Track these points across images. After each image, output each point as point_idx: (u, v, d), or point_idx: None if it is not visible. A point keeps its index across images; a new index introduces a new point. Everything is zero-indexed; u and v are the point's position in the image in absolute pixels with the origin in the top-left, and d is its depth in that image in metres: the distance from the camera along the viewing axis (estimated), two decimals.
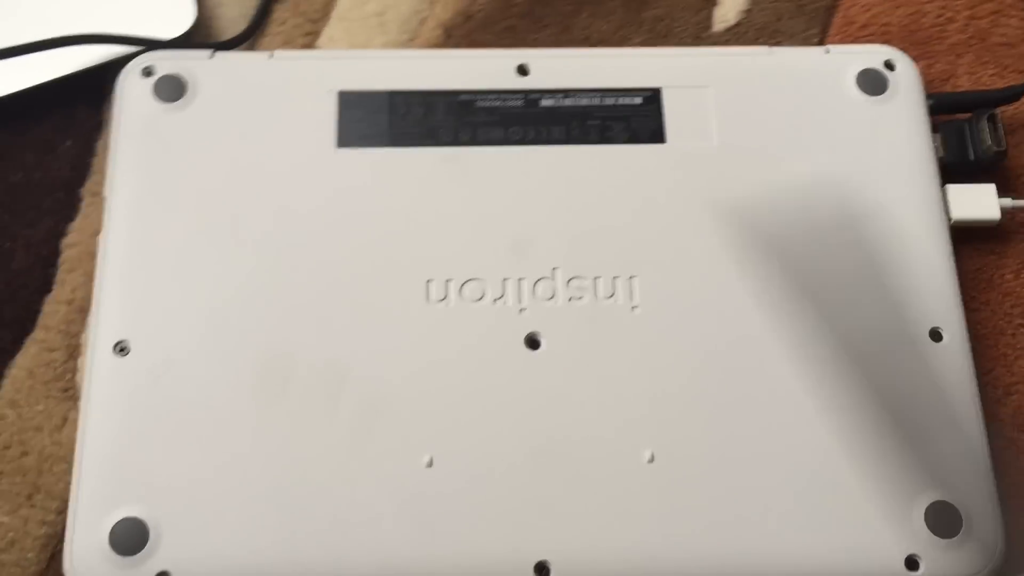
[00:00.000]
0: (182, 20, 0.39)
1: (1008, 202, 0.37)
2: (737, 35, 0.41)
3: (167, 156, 0.36)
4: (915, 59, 0.39)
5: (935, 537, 0.32)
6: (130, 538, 0.31)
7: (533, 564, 0.31)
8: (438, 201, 0.36)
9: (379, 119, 0.37)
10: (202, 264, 0.34)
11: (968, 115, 0.38)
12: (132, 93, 0.37)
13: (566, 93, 0.38)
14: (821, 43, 0.40)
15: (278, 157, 0.36)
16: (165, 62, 0.37)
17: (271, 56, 0.38)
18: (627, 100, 0.38)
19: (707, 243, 0.35)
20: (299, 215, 0.35)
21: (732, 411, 0.33)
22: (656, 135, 0.37)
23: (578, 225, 0.36)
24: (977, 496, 0.32)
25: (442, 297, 0.35)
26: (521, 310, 0.35)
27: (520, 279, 0.35)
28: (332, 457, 0.32)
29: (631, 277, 0.35)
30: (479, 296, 0.35)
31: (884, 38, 0.40)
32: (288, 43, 0.41)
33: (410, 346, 0.34)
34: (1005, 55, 0.40)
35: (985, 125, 0.37)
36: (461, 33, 0.41)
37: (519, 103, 0.37)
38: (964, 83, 0.40)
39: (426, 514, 0.32)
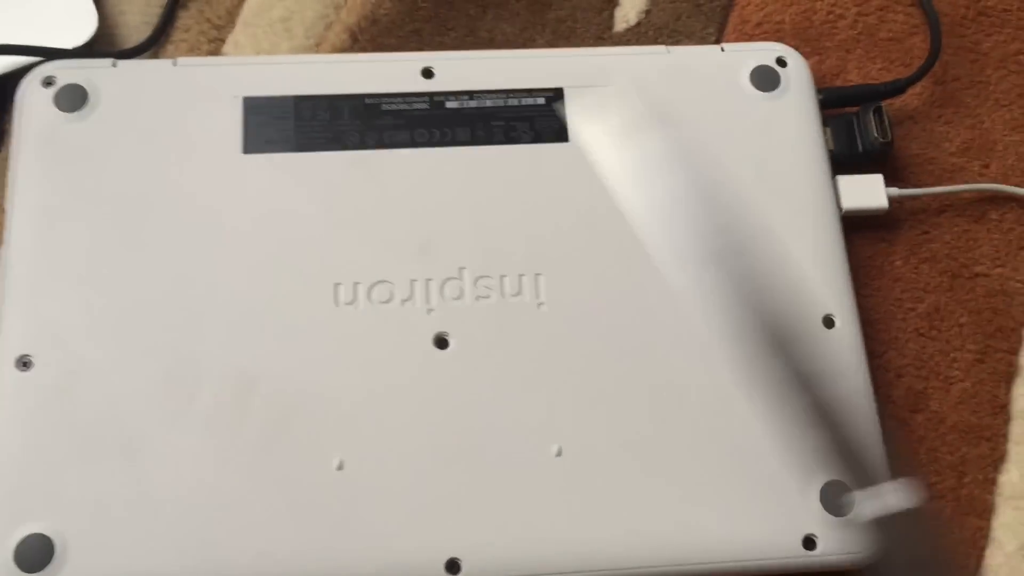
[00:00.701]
0: (84, 29, 0.39)
1: (895, 191, 0.38)
2: (638, 35, 0.42)
3: (69, 167, 0.36)
4: (807, 55, 0.40)
5: (830, 516, 0.33)
6: (35, 554, 0.31)
7: (444, 561, 0.32)
8: (345, 205, 0.36)
9: (285, 124, 0.37)
10: (106, 275, 0.34)
11: (856, 109, 0.39)
12: (33, 103, 0.37)
13: (471, 95, 0.38)
14: (718, 42, 0.42)
15: (183, 165, 0.36)
16: (66, 72, 0.37)
17: (174, 64, 0.38)
18: (530, 101, 0.38)
19: (609, 239, 0.36)
20: (205, 223, 0.35)
21: (635, 402, 0.34)
22: (560, 134, 0.38)
23: (484, 225, 0.36)
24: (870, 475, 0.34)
25: (350, 300, 0.35)
26: (429, 311, 0.35)
27: (428, 280, 0.35)
28: (241, 465, 0.32)
29: (537, 275, 0.36)
30: (387, 298, 0.35)
31: (777, 36, 0.42)
32: (193, 50, 0.41)
33: (319, 350, 0.34)
34: (892, 49, 0.42)
35: (871, 118, 0.38)
36: (367, 37, 0.41)
37: (424, 106, 0.38)
38: (854, 77, 0.41)
39: (337, 517, 0.32)
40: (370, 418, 0.33)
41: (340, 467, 0.33)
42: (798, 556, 0.33)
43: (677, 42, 0.42)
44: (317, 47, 0.41)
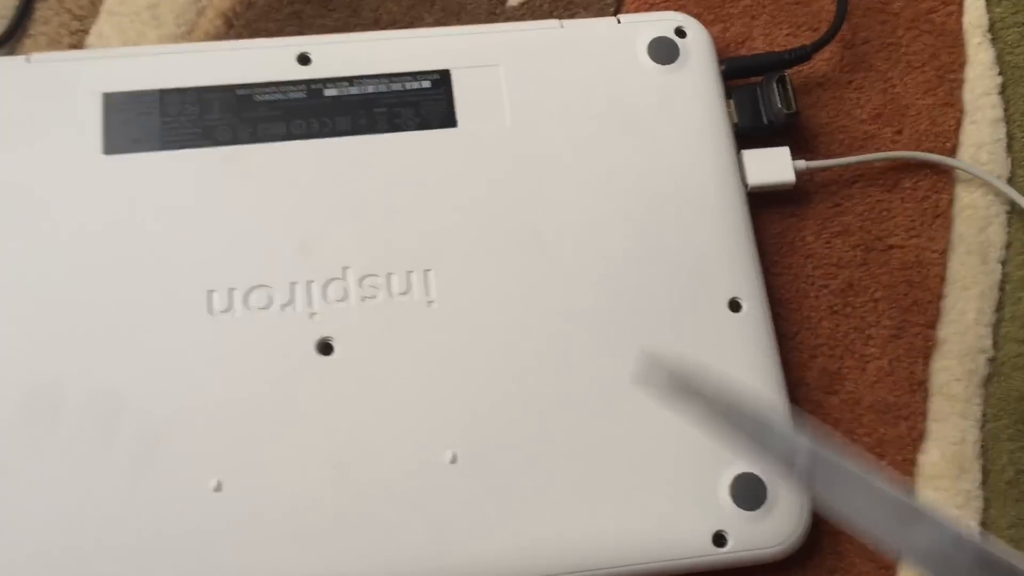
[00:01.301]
0: None
1: (802, 164, 0.36)
2: (531, 9, 0.39)
3: None
4: (710, 23, 0.38)
5: (741, 511, 0.32)
6: None
7: None
8: (218, 205, 0.34)
9: (150, 121, 0.34)
10: None
11: (762, 78, 0.37)
12: None
13: (351, 81, 0.36)
14: (617, 12, 0.39)
15: (39, 169, 0.33)
16: None
17: (28, 60, 0.35)
18: (415, 84, 0.36)
19: (503, 228, 0.34)
20: (65, 231, 0.33)
21: (533, 401, 0.32)
22: (447, 119, 0.35)
23: (369, 220, 0.34)
24: None
25: (226, 307, 0.32)
26: (312, 315, 0.33)
27: (309, 282, 0.33)
28: (111, 490, 0.30)
29: (426, 271, 0.34)
30: (266, 303, 0.33)
31: (679, 4, 0.39)
32: (54, 44, 0.38)
33: (193, 363, 0.32)
34: (798, 13, 0.40)
35: (775, 88, 0.36)
36: (243, 22, 0.39)
37: (301, 94, 0.35)
38: (760, 44, 0.39)
39: (216, 541, 0.30)
40: (250, 434, 0.31)
41: (218, 488, 0.31)
42: (708, 554, 0.31)
43: (574, 14, 0.39)
44: (189, 35, 0.38)
